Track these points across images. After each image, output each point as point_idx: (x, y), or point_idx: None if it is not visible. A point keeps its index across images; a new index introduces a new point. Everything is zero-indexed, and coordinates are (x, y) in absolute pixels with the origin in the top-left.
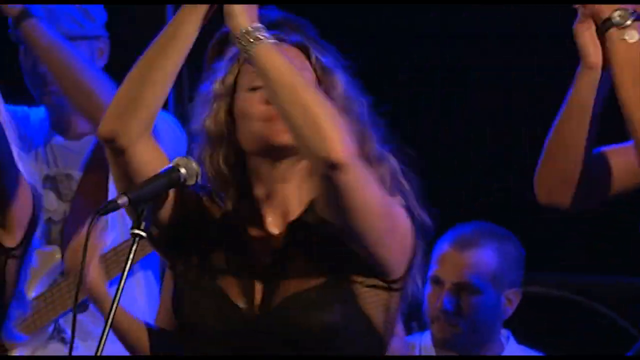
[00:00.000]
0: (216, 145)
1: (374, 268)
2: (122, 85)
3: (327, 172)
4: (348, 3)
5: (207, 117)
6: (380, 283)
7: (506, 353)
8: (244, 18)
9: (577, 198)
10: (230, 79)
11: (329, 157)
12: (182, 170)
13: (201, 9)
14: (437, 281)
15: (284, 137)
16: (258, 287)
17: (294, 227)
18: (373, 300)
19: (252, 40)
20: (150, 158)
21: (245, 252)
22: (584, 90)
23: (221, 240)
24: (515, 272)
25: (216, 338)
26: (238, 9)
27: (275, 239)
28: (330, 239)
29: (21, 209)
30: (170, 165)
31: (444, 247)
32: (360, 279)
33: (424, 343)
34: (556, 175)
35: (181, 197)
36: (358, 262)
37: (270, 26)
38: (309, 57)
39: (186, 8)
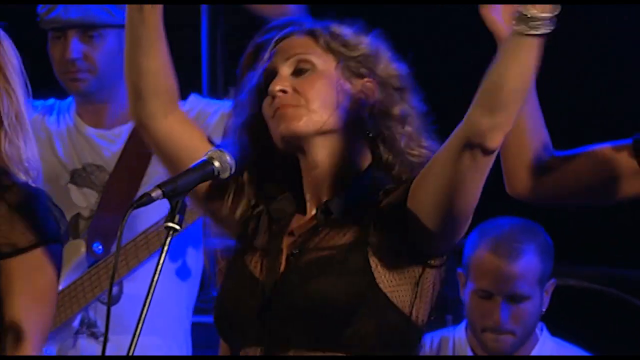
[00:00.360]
0: (256, 135)
1: (422, 247)
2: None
3: (477, 146)
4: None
5: (243, 121)
6: (417, 258)
7: (540, 345)
8: (546, 7)
9: (538, 186)
10: (258, 86)
11: (491, 137)
12: (216, 164)
13: None
14: (487, 295)
15: (300, 126)
16: (283, 262)
17: (325, 208)
18: (398, 273)
19: (534, 29)
20: (181, 131)
21: (281, 231)
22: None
23: (260, 227)
24: (550, 264)
25: (239, 313)
26: None
27: (307, 220)
28: (362, 212)
29: None
30: (204, 158)
31: (482, 254)
32: (383, 250)
33: (458, 336)
34: (511, 160)
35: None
36: (392, 234)
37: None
38: (317, 42)
39: None
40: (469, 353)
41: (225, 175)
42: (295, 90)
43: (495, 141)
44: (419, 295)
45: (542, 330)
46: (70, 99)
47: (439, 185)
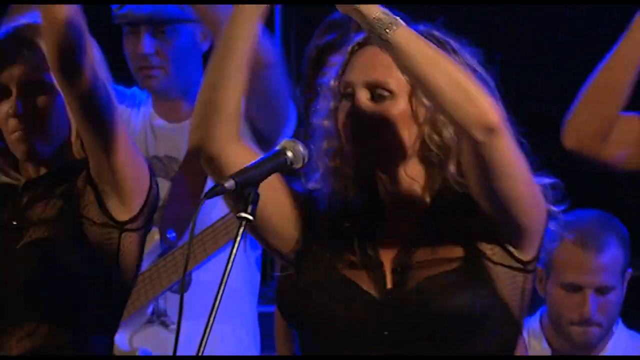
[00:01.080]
0: (333, 144)
1: (511, 240)
2: (199, 92)
3: (483, 137)
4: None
5: (323, 117)
6: (516, 264)
7: (615, 337)
8: (372, 6)
9: (605, 148)
10: (334, 82)
11: (486, 120)
12: (289, 154)
13: (254, 8)
14: (575, 288)
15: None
16: (389, 276)
17: (421, 217)
18: (509, 282)
19: (387, 25)
20: (242, 161)
21: (373, 243)
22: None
23: (346, 233)
24: (629, 254)
25: (349, 328)
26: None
27: (403, 229)
28: (460, 223)
29: (137, 180)
30: (277, 148)
31: (567, 247)
32: (496, 258)
33: (532, 327)
34: (591, 121)
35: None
36: (494, 240)
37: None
38: None
39: (239, 8)
40: (544, 345)
41: (298, 165)
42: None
43: (490, 116)
44: (525, 304)
45: (617, 323)
46: (144, 91)
47: (478, 186)
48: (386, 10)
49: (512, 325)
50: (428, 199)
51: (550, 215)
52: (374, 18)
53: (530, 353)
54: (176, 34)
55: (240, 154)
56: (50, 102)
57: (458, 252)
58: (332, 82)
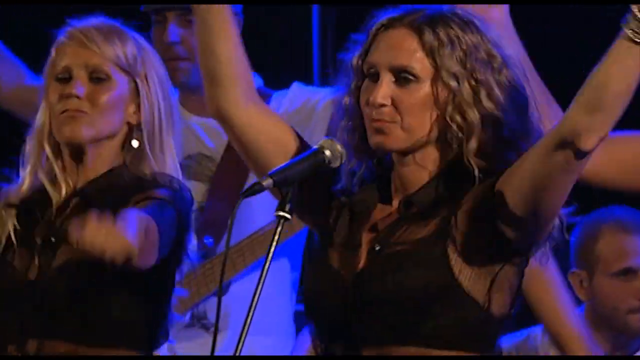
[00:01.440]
0: (353, 121)
1: (506, 244)
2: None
3: (569, 145)
4: None
5: (344, 94)
6: (498, 253)
7: None
8: None
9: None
10: (356, 62)
11: (586, 139)
12: (327, 152)
13: None
14: (629, 272)
15: (393, 143)
16: (363, 254)
17: (407, 201)
18: (475, 269)
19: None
20: (253, 121)
21: (363, 226)
22: None
23: (344, 215)
24: None
25: (324, 308)
26: None
27: (390, 214)
28: (447, 213)
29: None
30: (315, 147)
31: (613, 237)
32: (464, 245)
33: None
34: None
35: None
36: (483, 238)
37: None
38: (422, 42)
39: None
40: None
41: (336, 164)
42: (394, 102)
43: (590, 143)
44: (495, 290)
45: None
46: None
47: (528, 184)
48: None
49: (475, 309)
50: (427, 179)
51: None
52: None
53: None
54: None
55: (253, 118)
56: (107, 93)
57: (427, 232)
58: (354, 61)
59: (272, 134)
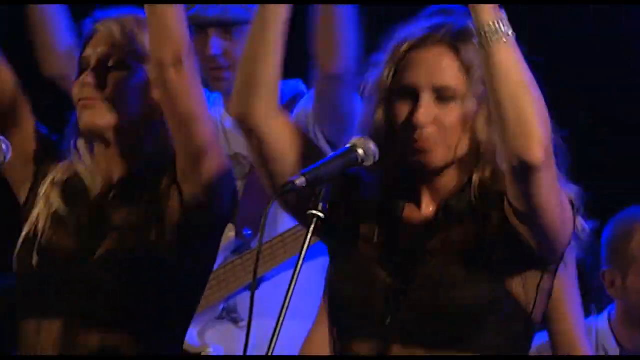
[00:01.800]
0: (379, 139)
1: (534, 254)
2: (238, 65)
3: (520, 169)
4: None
5: (367, 115)
6: (533, 262)
7: None
8: (489, 10)
9: None
10: (386, 81)
11: (528, 157)
12: (360, 151)
13: None
14: None
15: (435, 161)
16: (405, 264)
17: (445, 207)
18: (521, 279)
19: (494, 38)
20: (280, 135)
21: (397, 231)
22: None
23: (373, 219)
24: None
25: (361, 313)
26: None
27: (426, 219)
28: (479, 218)
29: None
30: (348, 145)
31: None
32: (510, 255)
33: (601, 327)
34: None
35: None
36: (517, 249)
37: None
38: (458, 58)
39: None
40: (613, 344)
41: (369, 162)
42: (435, 122)
43: (536, 155)
44: (539, 300)
45: None
46: (217, 93)
47: (518, 210)
48: (502, 18)
49: (521, 322)
50: (454, 189)
51: (577, 224)
52: (485, 23)
53: (599, 353)
54: (243, 35)
55: (279, 128)
56: (123, 80)
57: (470, 244)
58: (383, 81)
59: (294, 144)
